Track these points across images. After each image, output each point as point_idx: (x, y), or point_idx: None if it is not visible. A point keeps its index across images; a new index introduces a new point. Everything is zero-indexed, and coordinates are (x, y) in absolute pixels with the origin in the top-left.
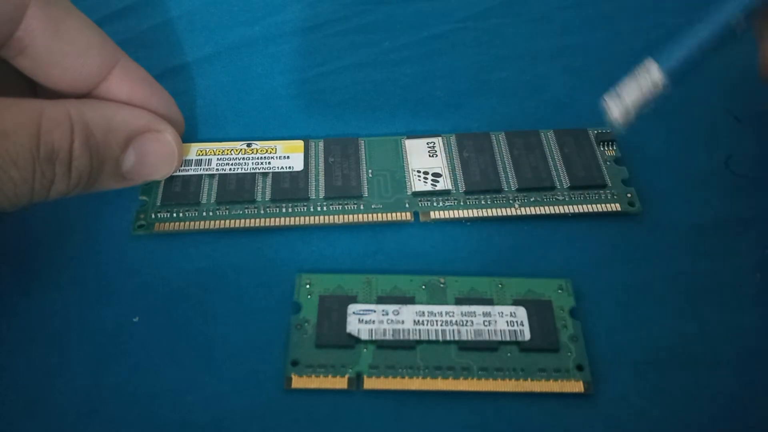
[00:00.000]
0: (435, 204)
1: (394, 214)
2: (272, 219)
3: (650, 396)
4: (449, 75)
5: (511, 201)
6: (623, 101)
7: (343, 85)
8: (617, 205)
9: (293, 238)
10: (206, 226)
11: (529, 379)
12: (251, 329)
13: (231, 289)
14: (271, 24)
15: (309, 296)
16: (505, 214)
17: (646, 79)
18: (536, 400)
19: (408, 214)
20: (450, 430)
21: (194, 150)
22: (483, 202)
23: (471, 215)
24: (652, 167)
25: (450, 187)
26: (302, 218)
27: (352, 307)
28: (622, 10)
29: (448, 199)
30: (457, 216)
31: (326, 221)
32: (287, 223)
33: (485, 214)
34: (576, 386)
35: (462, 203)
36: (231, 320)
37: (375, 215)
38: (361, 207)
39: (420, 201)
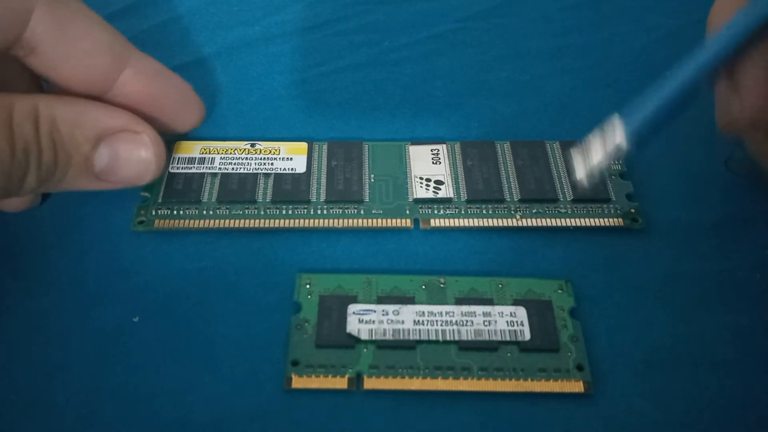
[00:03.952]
0: (436, 212)
1: (394, 221)
2: (272, 221)
3: (650, 396)
4: (449, 75)
5: (512, 212)
6: (588, 163)
7: (343, 85)
8: (620, 219)
9: (293, 238)
10: (206, 225)
11: (529, 379)
12: (251, 329)
13: (231, 289)
14: (271, 24)
15: (309, 296)
16: (506, 224)
17: (611, 141)
18: (536, 400)
19: (408, 220)
20: (450, 430)
21: (198, 148)
22: (484, 212)
23: (472, 224)
24: (652, 167)
25: (452, 196)
26: (302, 221)
27: (352, 307)
28: (621, 10)
29: (449, 208)
30: (457, 225)
31: (326, 225)
32: (287, 225)
33: (486, 224)
34: (576, 386)
35: (463, 212)
36: (231, 320)
37: (375, 220)
38: (362, 212)
39: (421, 208)
